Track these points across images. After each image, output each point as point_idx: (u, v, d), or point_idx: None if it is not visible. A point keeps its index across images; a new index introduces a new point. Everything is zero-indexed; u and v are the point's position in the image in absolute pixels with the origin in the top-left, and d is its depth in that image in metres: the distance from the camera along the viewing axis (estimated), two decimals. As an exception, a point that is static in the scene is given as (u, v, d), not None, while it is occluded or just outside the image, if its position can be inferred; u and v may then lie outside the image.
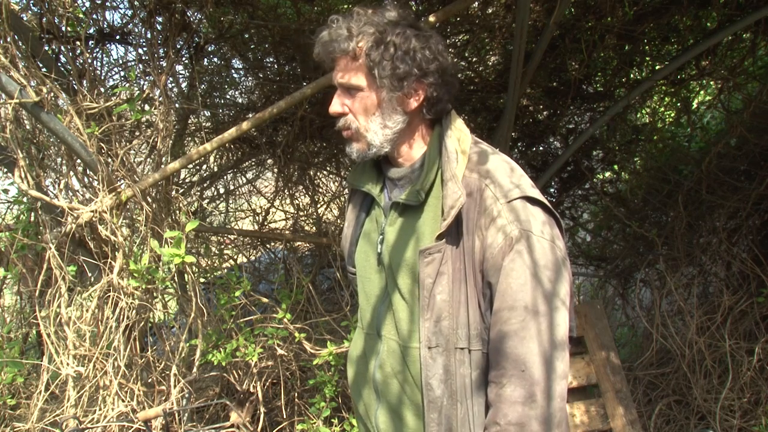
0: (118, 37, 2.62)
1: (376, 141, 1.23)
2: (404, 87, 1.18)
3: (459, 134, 1.24)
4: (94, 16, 2.51)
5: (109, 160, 2.11)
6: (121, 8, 3.46)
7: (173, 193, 2.41)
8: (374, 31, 1.17)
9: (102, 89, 2.37)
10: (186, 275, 2.17)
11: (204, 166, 3.80)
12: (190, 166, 3.41)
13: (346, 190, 3.16)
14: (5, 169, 2.32)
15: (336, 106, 1.24)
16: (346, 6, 2.92)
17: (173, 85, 3.05)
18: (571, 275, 1.19)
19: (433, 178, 1.21)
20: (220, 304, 2.34)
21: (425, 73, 1.19)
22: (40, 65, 2.14)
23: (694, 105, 4.07)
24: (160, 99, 2.23)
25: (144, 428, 1.81)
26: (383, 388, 1.32)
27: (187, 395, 2.19)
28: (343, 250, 1.47)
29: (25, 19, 2.25)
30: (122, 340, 2.03)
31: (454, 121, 1.26)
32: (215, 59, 3.33)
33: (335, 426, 2.57)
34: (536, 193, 1.17)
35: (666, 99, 4.04)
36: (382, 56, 1.16)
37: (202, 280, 2.87)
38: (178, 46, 2.62)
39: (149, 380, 2.22)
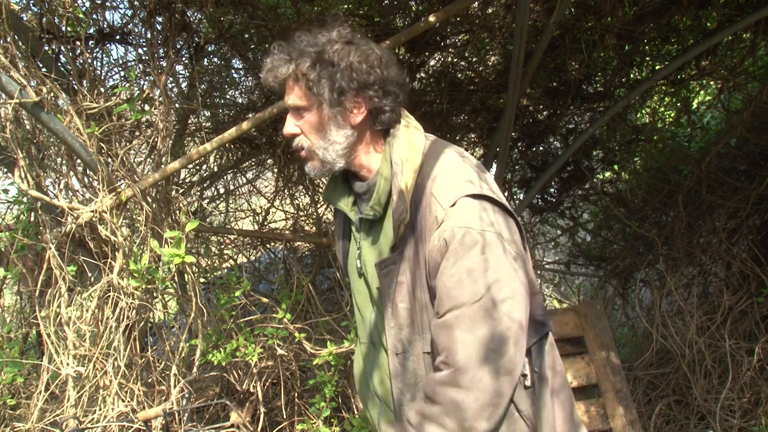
0: (118, 37, 2.61)
1: (328, 157, 1.25)
2: (344, 101, 1.21)
3: (408, 140, 1.25)
4: (94, 16, 2.51)
5: (109, 160, 2.11)
6: (121, 8, 3.45)
7: (173, 193, 2.41)
8: (312, 52, 1.20)
9: (102, 89, 2.37)
10: (186, 275, 2.17)
11: (204, 166, 3.80)
12: (190, 166, 3.41)
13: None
14: (5, 169, 2.32)
15: (288, 127, 1.28)
16: (345, 6, 2.92)
17: (173, 85, 3.06)
18: (524, 259, 1.18)
19: (389, 190, 1.22)
20: (220, 304, 2.34)
21: (364, 85, 1.21)
22: (40, 65, 2.14)
23: (694, 105, 4.06)
24: (160, 99, 2.22)
25: (144, 428, 1.81)
26: (380, 393, 1.37)
27: (187, 395, 2.19)
28: (340, 262, 1.51)
29: (25, 19, 2.25)
30: (122, 340, 2.03)
31: (406, 127, 1.27)
32: (215, 59, 3.33)
33: (335, 426, 2.57)
34: (477, 189, 1.16)
35: (666, 99, 4.04)
36: (320, 74, 1.19)
37: (202, 280, 2.87)
38: (178, 46, 2.62)
39: (149, 380, 2.21)
